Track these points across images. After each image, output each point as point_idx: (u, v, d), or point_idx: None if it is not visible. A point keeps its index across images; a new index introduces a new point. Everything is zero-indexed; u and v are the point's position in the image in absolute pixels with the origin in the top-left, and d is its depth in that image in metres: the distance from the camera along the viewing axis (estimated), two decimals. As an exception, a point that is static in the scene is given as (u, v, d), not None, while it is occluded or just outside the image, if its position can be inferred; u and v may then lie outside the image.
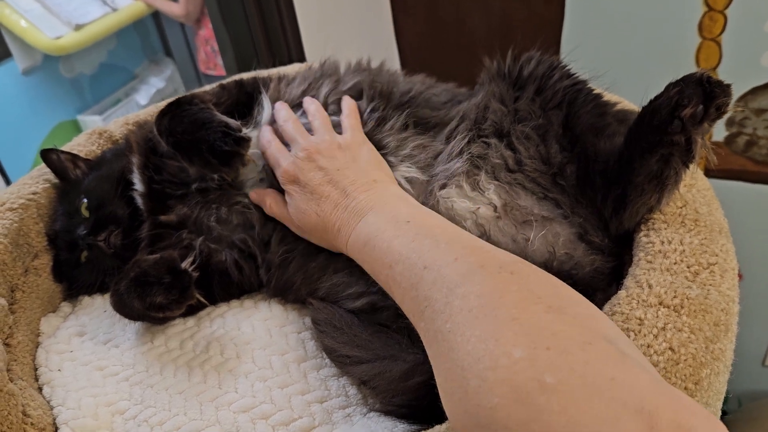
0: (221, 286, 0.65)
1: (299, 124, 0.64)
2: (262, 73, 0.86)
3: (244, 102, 0.70)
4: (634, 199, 0.54)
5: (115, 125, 0.84)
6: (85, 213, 0.70)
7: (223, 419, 0.54)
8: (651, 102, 0.51)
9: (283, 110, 0.66)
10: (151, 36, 2.79)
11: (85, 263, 0.70)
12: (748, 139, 1.52)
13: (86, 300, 0.71)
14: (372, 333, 0.55)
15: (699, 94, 0.47)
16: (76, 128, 2.43)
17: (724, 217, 0.57)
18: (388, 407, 0.50)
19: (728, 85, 0.47)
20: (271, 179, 0.65)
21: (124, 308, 0.60)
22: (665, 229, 0.54)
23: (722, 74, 1.44)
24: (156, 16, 2.68)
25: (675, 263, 0.50)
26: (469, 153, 0.60)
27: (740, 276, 1.76)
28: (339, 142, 0.61)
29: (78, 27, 2.30)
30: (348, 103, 0.66)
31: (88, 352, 0.64)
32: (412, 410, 0.49)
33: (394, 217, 0.51)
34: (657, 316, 0.46)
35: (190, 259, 0.61)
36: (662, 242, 0.52)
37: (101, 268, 0.69)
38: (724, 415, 1.75)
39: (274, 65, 1.02)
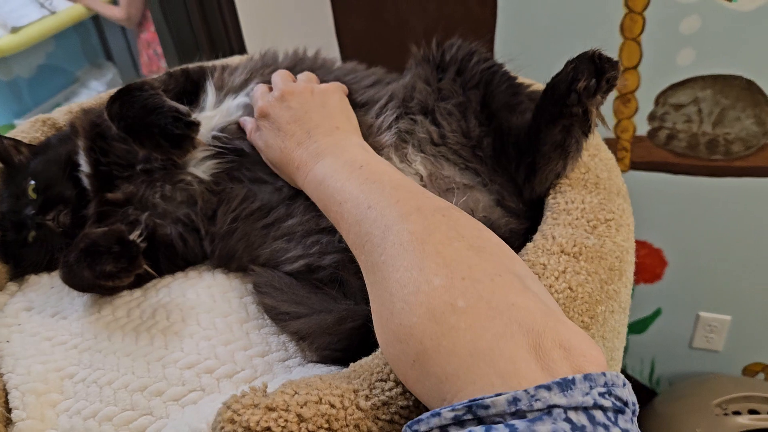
0: (167, 257, 0.68)
1: (288, 74, 0.70)
2: (206, 63, 0.90)
3: (189, 90, 0.74)
4: (542, 167, 0.60)
5: (59, 113, 0.86)
6: (33, 195, 0.72)
7: (169, 375, 0.57)
8: (552, 78, 0.57)
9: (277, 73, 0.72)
10: (92, 39, 2.77)
11: (33, 243, 0.72)
12: (668, 132, 1.63)
13: (33, 278, 0.73)
14: (309, 291, 0.60)
15: (591, 70, 0.54)
16: (14, 132, 2.39)
17: (623, 183, 0.65)
18: (323, 354, 0.55)
19: (616, 62, 0.54)
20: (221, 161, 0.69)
21: (73, 279, 0.63)
22: (570, 191, 0.61)
23: (643, 72, 1.55)
24: (96, 19, 2.66)
25: (576, 219, 0.56)
26: (397, 128, 0.66)
27: (665, 262, 1.87)
28: (312, 88, 0.67)
29: (14, 29, 2.28)
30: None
31: (36, 324, 0.66)
32: (345, 354, 0.53)
33: (349, 162, 0.56)
34: (558, 262, 0.52)
35: (137, 232, 0.65)
36: (566, 202, 0.59)
37: (49, 247, 0.71)
38: (654, 395, 1.85)
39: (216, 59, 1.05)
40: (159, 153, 0.67)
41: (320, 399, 0.41)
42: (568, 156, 0.59)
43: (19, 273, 0.74)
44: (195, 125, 0.65)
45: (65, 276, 0.64)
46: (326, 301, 0.58)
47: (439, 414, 0.35)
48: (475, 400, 0.34)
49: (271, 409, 0.41)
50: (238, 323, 0.62)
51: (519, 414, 0.33)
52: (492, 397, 0.34)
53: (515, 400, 0.34)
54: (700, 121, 1.55)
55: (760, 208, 1.54)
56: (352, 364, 0.47)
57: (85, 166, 0.72)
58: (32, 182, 0.72)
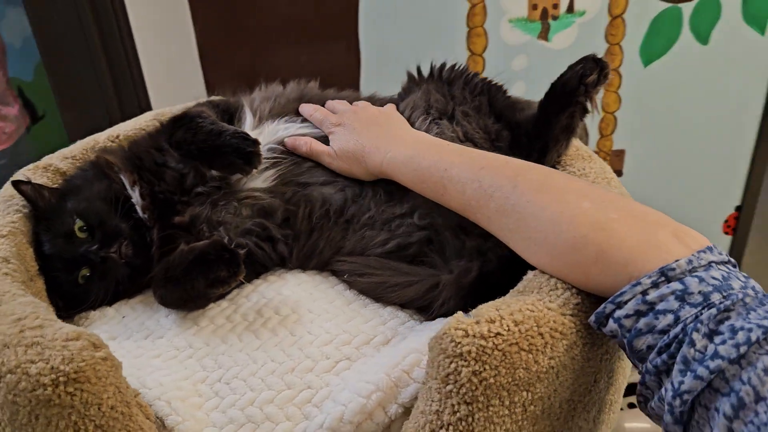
0: (246, 266, 0.73)
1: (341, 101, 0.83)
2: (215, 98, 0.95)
3: (226, 119, 0.81)
4: (552, 147, 0.79)
5: (56, 159, 0.85)
6: (81, 234, 0.73)
7: (311, 354, 0.64)
8: (559, 78, 0.76)
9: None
10: None
11: (90, 280, 0.72)
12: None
13: (94, 314, 0.72)
14: (407, 264, 0.70)
15: (595, 67, 0.74)
16: None
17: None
18: (446, 309, 0.66)
19: (606, 61, 0.75)
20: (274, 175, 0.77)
21: (175, 294, 0.67)
22: (571, 164, 0.80)
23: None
24: None
25: (593, 180, 0.76)
26: (429, 131, 0.80)
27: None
28: (373, 108, 0.81)
29: None
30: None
31: (133, 348, 0.67)
32: (465, 306, 0.65)
33: (436, 142, 0.70)
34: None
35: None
36: (577, 170, 0.78)
37: (112, 279, 0.72)
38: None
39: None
40: (230, 171, 0.73)
41: (520, 308, 0.54)
42: (571, 137, 0.78)
43: (72, 313, 0.73)
44: (258, 143, 0.72)
45: (164, 294, 0.67)
46: (427, 269, 0.69)
47: (639, 283, 0.50)
48: (664, 267, 0.50)
49: (491, 321, 0.52)
50: (345, 305, 0.70)
51: (692, 271, 0.50)
52: (676, 262, 0.50)
53: (690, 262, 0.50)
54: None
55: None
56: (511, 291, 0.59)
57: (138, 198, 0.74)
58: (78, 221, 0.73)
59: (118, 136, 0.91)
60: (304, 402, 0.60)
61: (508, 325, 0.52)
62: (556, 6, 1.77)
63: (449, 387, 0.52)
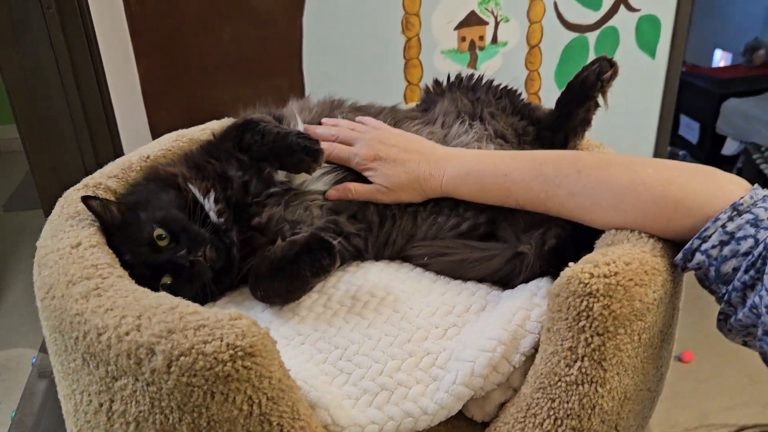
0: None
1: (354, 123, 0.85)
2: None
3: None
4: (571, 138, 0.90)
5: (103, 179, 0.84)
6: (161, 242, 0.74)
7: (421, 325, 0.69)
8: (577, 76, 0.88)
9: (330, 122, 0.85)
10: None
11: (172, 287, 0.73)
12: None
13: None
14: (481, 241, 0.78)
15: (609, 66, 0.87)
16: None
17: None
18: (531, 274, 0.74)
19: (616, 61, 0.87)
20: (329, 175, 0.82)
21: (282, 284, 0.70)
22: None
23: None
24: None
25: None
26: (469, 133, 0.89)
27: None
28: (392, 130, 0.84)
29: None
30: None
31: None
32: (545, 270, 0.73)
33: (481, 153, 0.78)
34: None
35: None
36: (596, 156, 0.90)
37: (200, 283, 0.73)
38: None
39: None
40: (297, 169, 0.77)
41: (624, 253, 0.63)
42: (587, 127, 0.90)
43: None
44: (320, 142, 0.78)
45: (268, 286, 0.71)
46: (500, 243, 0.77)
47: (718, 218, 0.61)
48: (734, 203, 0.62)
49: (607, 264, 0.61)
50: (431, 283, 0.76)
51: (755, 204, 0.62)
52: (741, 198, 0.62)
53: (751, 197, 0.62)
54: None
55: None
56: (598, 245, 0.69)
57: (211, 204, 0.77)
58: (158, 229, 0.74)
59: (148, 157, 0.92)
60: (429, 366, 0.66)
61: (621, 266, 0.61)
62: (482, 38, 1.95)
63: (582, 323, 0.60)
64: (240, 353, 0.54)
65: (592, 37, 2.02)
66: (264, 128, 0.78)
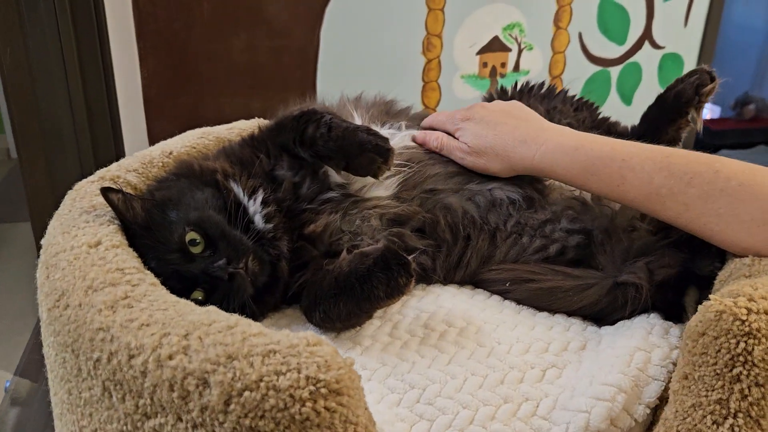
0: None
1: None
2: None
3: None
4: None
5: (121, 172, 0.71)
6: (193, 248, 0.61)
7: (515, 364, 0.57)
8: (670, 89, 0.78)
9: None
10: None
11: (205, 302, 0.60)
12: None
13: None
14: (572, 267, 0.66)
15: (709, 78, 0.77)
16: None
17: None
18: (647, 307, 0.62)
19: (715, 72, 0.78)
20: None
21: (348, 306, 0.57)
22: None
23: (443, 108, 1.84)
24: None
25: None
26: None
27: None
28: (502, 101, 0.77)
29: None
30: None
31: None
32: (671, 305, 0.62)
33: (593, 135, 0.68)
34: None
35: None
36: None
37: (240, 301, 0.60)
38: None
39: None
40: (364, 171, 0.65)
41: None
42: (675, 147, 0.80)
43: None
44: (389, 139, 0.66)
45: (329, 308, 0.58)
46: (594, 271, 0.66)
47: None
48: None
49: (763, 297, 0.50)
50: (515, 314, 0.64)
51: None
52: None
53: None
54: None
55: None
56: (722, 281, 0.57)
57: (258, 207, 0.64)
58: (192, 233, 0.61)
59: (171, 153, 0.79)
60: (529, 415, 0.53)
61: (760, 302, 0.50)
62: (504, 65, 1.87)
63: (737, 370, 0.48)
64: (323, 390, 0.41)
65: (614, 71, 1.96)
66: (331, 121, 0.65)
